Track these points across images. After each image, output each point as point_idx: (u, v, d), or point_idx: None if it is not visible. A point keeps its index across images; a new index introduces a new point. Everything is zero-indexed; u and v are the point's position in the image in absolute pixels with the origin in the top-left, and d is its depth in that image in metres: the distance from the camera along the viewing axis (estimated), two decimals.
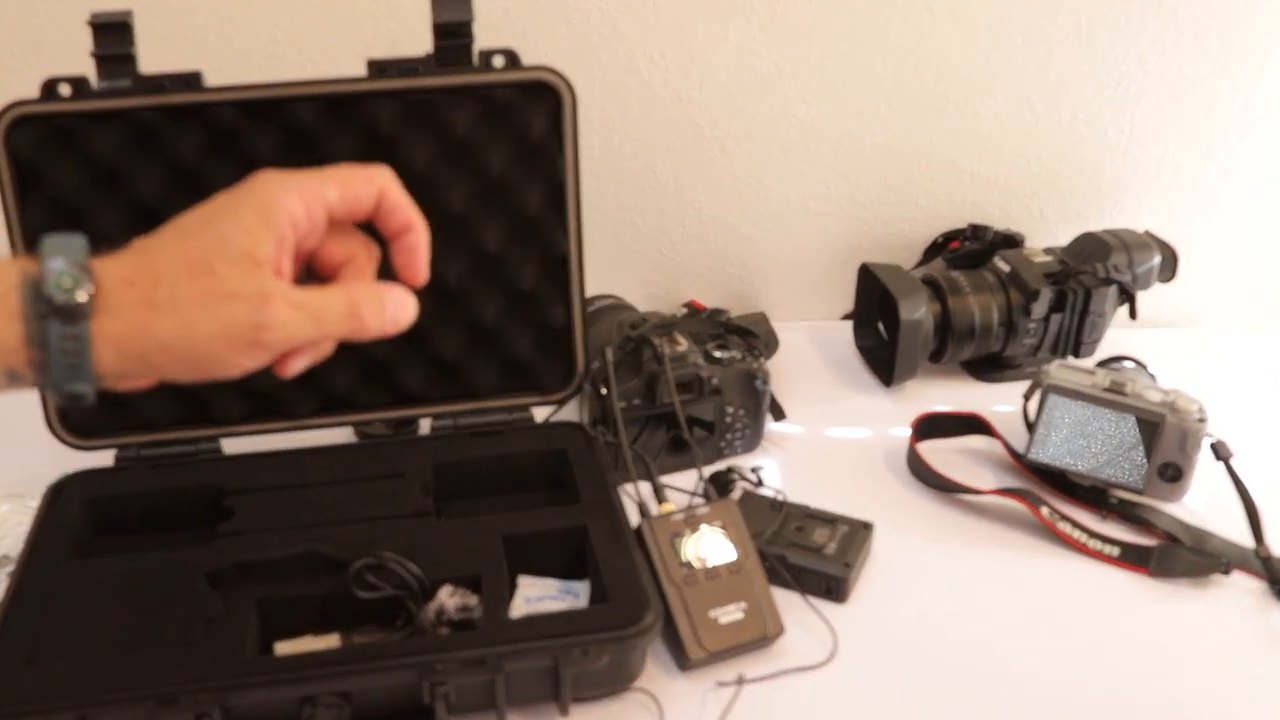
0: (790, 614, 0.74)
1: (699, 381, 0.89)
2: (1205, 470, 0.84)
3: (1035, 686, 0.71)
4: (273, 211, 0.52)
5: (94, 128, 0.75)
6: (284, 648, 0.69)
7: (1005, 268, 1.03)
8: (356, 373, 0.84)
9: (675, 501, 0.77)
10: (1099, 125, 1.12)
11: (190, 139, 0.76)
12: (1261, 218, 1.19)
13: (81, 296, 0.49)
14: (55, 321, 0.49)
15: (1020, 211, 1.15)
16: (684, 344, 0.90)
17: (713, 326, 0.96)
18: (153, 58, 0.75)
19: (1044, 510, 0.84)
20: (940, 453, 0.92)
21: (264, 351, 0.52)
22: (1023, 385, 0.92)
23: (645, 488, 0.79)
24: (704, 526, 0.75)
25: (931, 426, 0.93)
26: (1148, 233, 1.08)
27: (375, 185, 0.56)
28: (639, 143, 1.08)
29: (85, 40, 0.73)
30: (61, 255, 0.49)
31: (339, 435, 0.87)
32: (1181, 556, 0.81)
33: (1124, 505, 0.87)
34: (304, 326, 0.52)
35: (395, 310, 0.56)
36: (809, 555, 0.78)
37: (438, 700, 0.63)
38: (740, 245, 1.15)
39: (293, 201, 0.53)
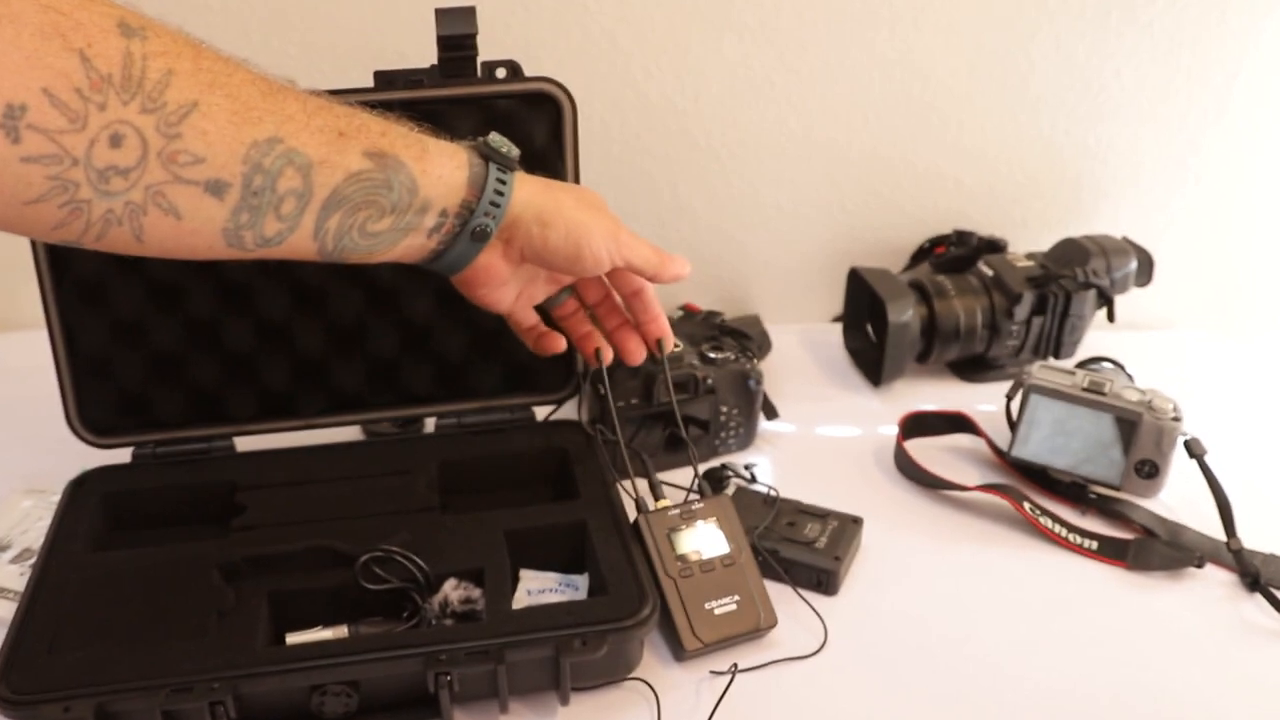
0: (782, 606, 0.74)
1: (694, 381, 0.89)
2: (1180, 467, 0.84)
3: (1016, 675, 0.71)
4: (620, 235, 0.68)
5: None
6: (294, 639, 0.69)
7: (989, 272, 1.03)
8: (364, 374, 0.84)
9: (671, 497, 0.77)
10: (1078, 135, 1.12)
11: None
12: (1234, 224, 1.19)
13: (516, 155, 0.64)
14: (494, 167, 0.62)
15: (1003, 218, 1.16)
16: (680, 345, 0.90)
17: (708, 328, 0.96)
18: None
19: (1026, 505, 0.84)
20: (926, 450, 0.92)
21: (604, 257, 0.66)
22: (1006, 385, 0.92)
23: (642, 484, 0.79)
24: (699, 521, 0.75)
25: (918, 425, 0.93)
26: (1125, 238, 1.08)
27: (654, 274, 0.71)
28: (636, 151, 1.08)
29: None
30: (503, 144, 0.63)
31: (347, 434, 0.87)
32: (1157, 550, 0.81)
33: (1102, 501, 0.87)
34: (617, 254, 0.67)
35: (678, 266, 0.72)
36: (800, 549, 0.78)
37: (442, 689, 0.63)
38: (734, 250, 1.15)
39: (628, 245, 0.68)
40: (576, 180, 0.81)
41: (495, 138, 0.63)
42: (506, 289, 0.69)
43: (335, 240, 0.57)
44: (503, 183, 0.62)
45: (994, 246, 1.09)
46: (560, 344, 0.74)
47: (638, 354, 0.75)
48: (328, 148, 0.54)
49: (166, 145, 0.48)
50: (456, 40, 0.76)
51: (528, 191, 0.64)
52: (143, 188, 0.49)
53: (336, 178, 0.55)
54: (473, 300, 0.69)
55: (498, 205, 0.62)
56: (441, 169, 0.60)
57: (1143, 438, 0.84)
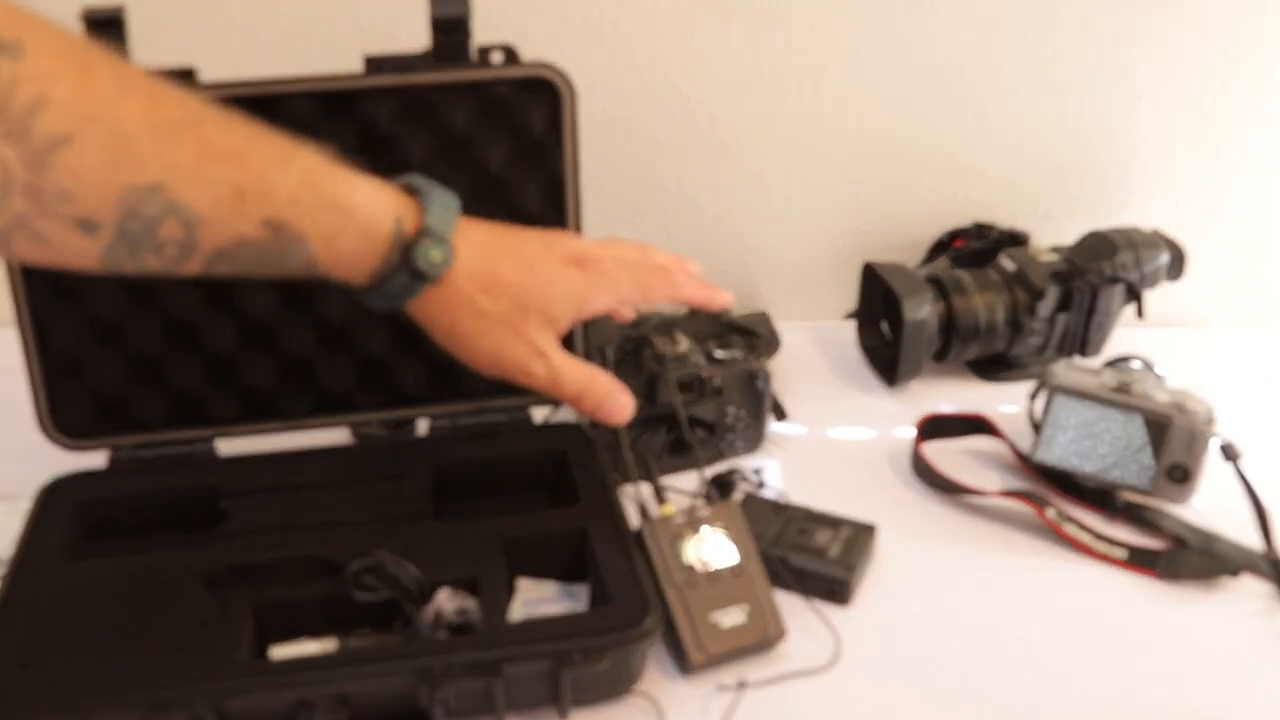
0: (792, 617, 0.74)
1: (700, 381, 0.89)
2: (1213, 472, 0.84)
3: (1039, 690, 0.71)
4: (587, 307, 0.66)
5: None
6: (280, 651, 0.69)
7: (1010, 266, 1.03)
8: (353, 373, 0.84)
9: (676, 503, 0.78)
10: (1106, 122, 1.12)
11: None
12: (1271, 215, 1.19)
13: (438, 273, 0.59)
14: (404, 275, 0.58)
15: (1026, 209, 1.16)
16: (685, 344, 0.90)
17: (714, 326, 0.96)
18: (145, 54, 0.75)
19: (1050, 512, 0.84)
20: (944, 454, 0.92)
21: (507, 373, 0.65)
22: (1028, 385, 0.93)
23: (646, 489, 0.79)
24: (705, 528, 0.75)
25: (936, 427, 0.93)
26: (1155, 231, 1.08)
27: (669, 299, 0.69)
28: (639, 140, 1.08)
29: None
30: (440, 227, 0.59)
31: (336, 436, 0.88)
32: (1189, 559, 0.81)
33: (1131, 507, 0.87)
34: (547, 383, 0.66)
35: (613, 409, 0.68)
36: (811, 557, 0.78)
37: (436, 704, 0.64)
38: (741, 243, 1.15)
39: (605, 303, 0.67)
40: (575, 172, 0.81)
41: (428, 245, 0.58)
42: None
43: (232, 273, 0.55)
44: (409, 292, 0.59)
45: (1016, 239, 1.09)
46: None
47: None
48: (220, 207, 0.51)
49: (33, 179, 0.46)
50: (450, 22, 0.76)
51: (434, 304, 0.61)
52: (9, 216, 0.47)
53: (223, 239, 0.52)
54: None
55: (392, 304, 0.60)
56: (353, 249, 0.57)
57: (1174, 441, 0.84)
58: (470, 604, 0.70)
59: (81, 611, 0.69)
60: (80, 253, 0.50)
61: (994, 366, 1.06)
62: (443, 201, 0.60)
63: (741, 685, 0.70)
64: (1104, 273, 1.02)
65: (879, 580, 0.80)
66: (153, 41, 0.79)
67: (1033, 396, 0.92)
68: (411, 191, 0.60)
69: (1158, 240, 1.06)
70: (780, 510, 0.83)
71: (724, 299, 0.72)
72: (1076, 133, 1.13)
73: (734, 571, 0.73)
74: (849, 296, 1.10)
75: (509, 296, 0.62)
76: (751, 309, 1.11)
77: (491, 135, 0.79)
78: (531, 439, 0.86)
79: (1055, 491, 0.89)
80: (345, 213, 0.56)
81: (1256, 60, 1.10)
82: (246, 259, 0.54)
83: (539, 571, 0.75)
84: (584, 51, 1.03)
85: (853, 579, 0.77)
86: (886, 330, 1.05)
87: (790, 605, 0.76)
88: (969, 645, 0.75)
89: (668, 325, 0.92)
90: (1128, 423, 0.85)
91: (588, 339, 0.85)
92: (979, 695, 0.71)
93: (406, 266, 0.58)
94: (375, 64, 0.77)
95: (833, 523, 0.82)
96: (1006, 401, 0.99)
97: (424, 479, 0.80)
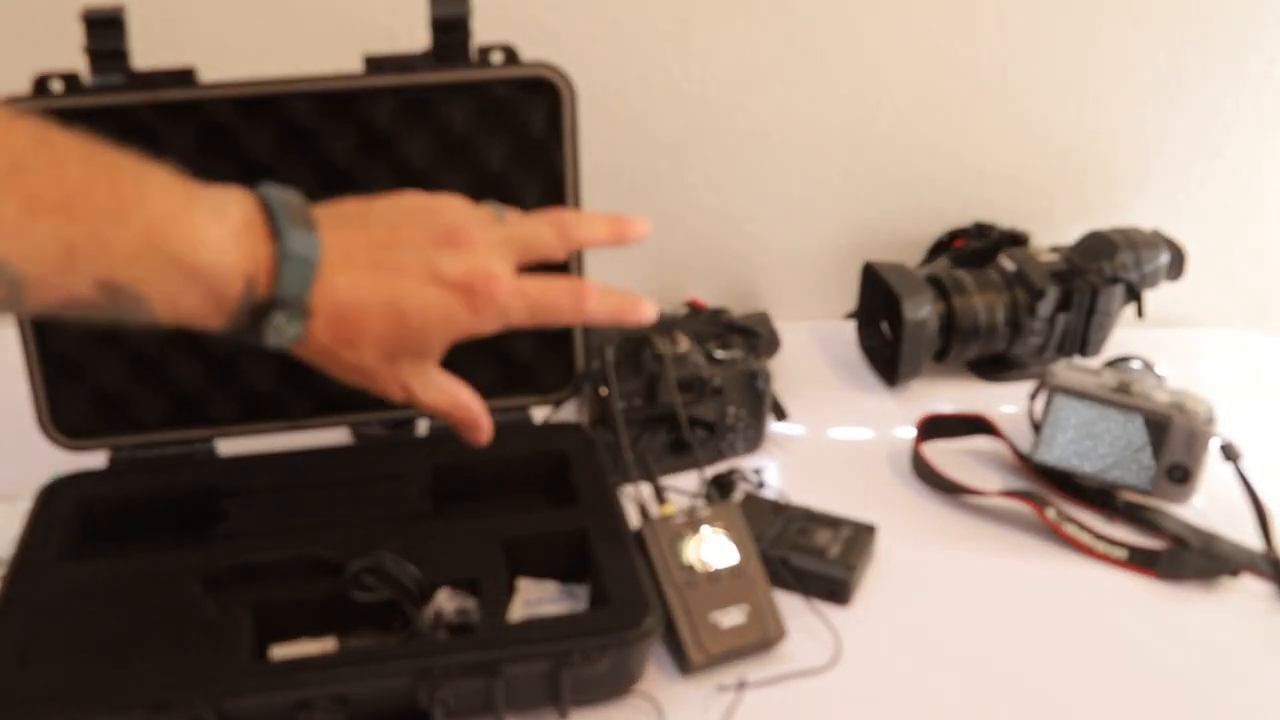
0: (793, 617, 0.74)
1: (700, 381, 0.89)
2: (1214, 472, 0.84)
3: (1039, 690, 0.71)
4: (469, 334, 0.59)
5: (86, 125, 0.74)
6: (279, 651, 0.69)
7: (1011, 266, 1.03)
8: None
9: (676, 503, 0.78)
10: (1107, 122, 1.12)
11: (184, 137, 0.76)
12: (1271, 215, 1.19)
13: (287, 343, 0.55)
14: (251, 338, 0.53)
15: (1027, 209, 1.16)
16: (685, 343, 0.90)
17: (714, 326, 0.96)
18: (146, 53, 0.76)
19: (1050, 512, 0.84)
20: (945, 454, 0.92)
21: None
22: (1028, 385, 0.93)
23: (646, 489, 0.79)
24: (705, 528, 0.75)
25: (936, 427, 0.93)
26: (1155, 231, 1.08)
27: (572, 321, 0.63)
28: (639, 140, 1.08)
29: (77, 35, 0.73)
30: (293, 295, 0.52)
31: (335, 436, 0.88)
32: (1189, 559, 0.81)
33: (1131, 507, 0.87)
34: (406, 401, 0.62)
35: (474, 436, 0.66)
36: (812, 558, 0.78)
37: (436, 705, 0.64)
38: (742, 243, 1.15)
39: (491, 330, 0.60)
40: (575, 172, 0.80)
41: (274, 325, 0.53)
42: None
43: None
44: (282, 333, 0.54)
45: (1016, 239, 1.09)
46: None
47: None
48: (47, 266, 0.45)
49: None
50: (450, 22, 0.76)
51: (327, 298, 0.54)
52: None
53: (52, 299, 0.47)
54: None
55: (265, 347, 0.55)
56: (198, 310, 0.51)
57: (1174, 441, 0.84)
58: (470, 604, 0.70)
59: (81, 612, 0.69)
60: None
61: (994, 366, 1.06)
62: (302, 253, 0.52)
63: (741, 685, 0.70)
64: (1104, 273, 1.02)
65: (879, 580, 0.80)
66: (152, 41, 0.79)
67: (1033, 396, 0.92)
68: (270, 227, 0.52)
69: (1158, 240, 1.07)
70: (780, 510, 0.83)
71: (642, 312, 0.63)
72: (1077, 133, 1.13)
73: (734, 572, 0.74)
74: (849, 296, 1.10)
75: (375, 348, 0.57)
76: (751, 309, 1.11)
77: (491, 135, 0.79)
78: (531, 439, 0.86)
79: (1055, 491, 0.89)
80: (190, 274, 0.49)
81: (1257, 60, 1.10)
82: (77, 316, 0.49)
83: (539, 572, 0.75)
84: (584, 51, 1.03)
85: (853, 579, 0.77)
86: (887, 330, 1.05)
87: (790, 605, 0.76)
88: (969, 645, 0.75)
89: (668, 325, 0.92)
90: (1128, 423, 0.85)
91: (587, 339, 0.85)
92: (979, 695, 0.71)
93: (255, 333, 0.53)
94: (375, 64, 0.77)
95: (833, 523, 0.82)
96: (1006, 401, 0.99)
97: (424, 479, 0.80)
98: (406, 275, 0.56)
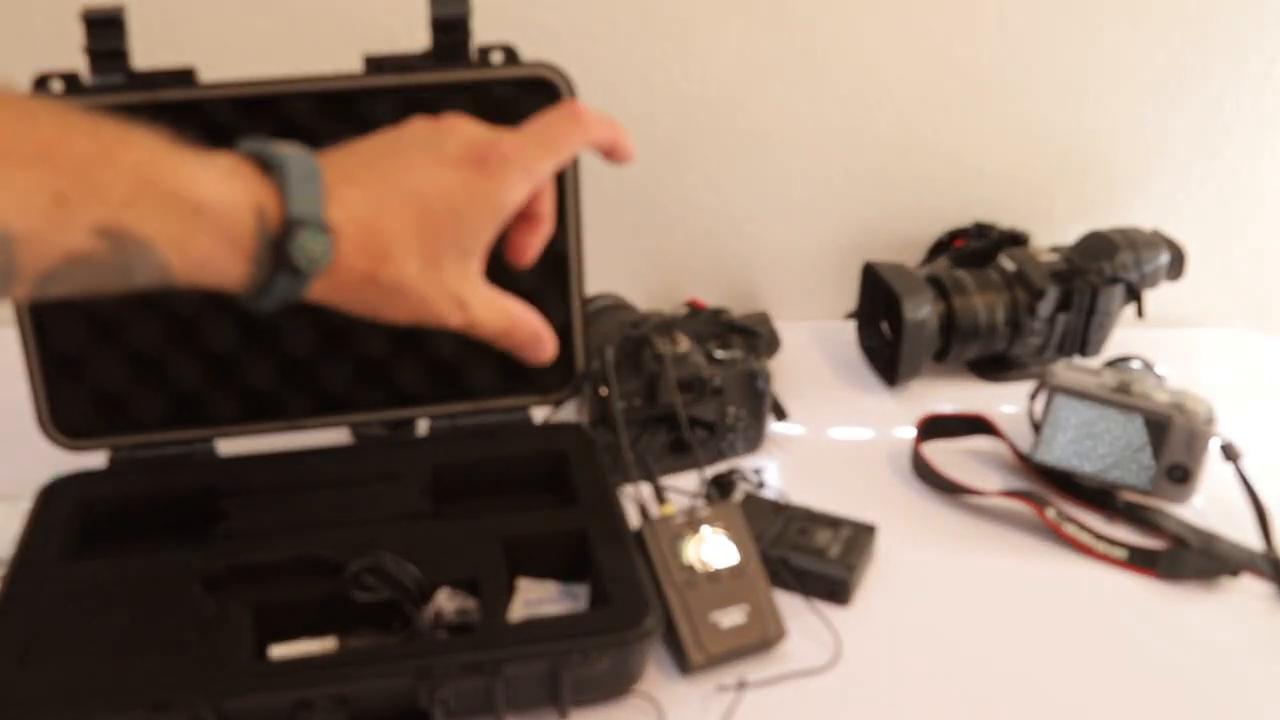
0: (793, 617, 0.74)
1: (700, 381, 0.89)
2: (1214, 472, 0.84)
3: (1039, 690, 0.71)
4: (506, 208, 0.55)
5: None
6: (279, 651, 0.69)
7: (1011, 266, 1.03)
8: (353, 373, 0.84)
9: (676, 503, 0.78)
10: (1107, 122, 1.12)
11: (184, 136, 0.76)
12: (1271, 215, 1.19)
13: (322, 266, 0.49)
14: (285, 276, 0.49)
15: (1027, 209, 1.16)
16: (685, 343, 0.90)
17: (714, 326, 0.96)
18: (145, 53, 0.76)
19: (1050, 512, 0.84)
20: (945, 454, 0.92)
21: (425, 325, 0.55)
22: (1028, 385, 0.93)
23: (646, 489, 0.79)
24: (705, 528, 0.75)
25: (936, 427, 0.93)
26: (1155, 231, 1.08)
27: (582, 139, 0.58)
28: (639, 139, 1.06)
29: (77, 35, 0.73)
30: (308, 211, 0.48)
31: (335, 436, 0.88)
32: (1189, 559, 0.81)
33: (1131, 507, 0.87)
34: (464, 330, 0.56)
35: (536, 352, 0.59)
36: (812, 558, 0.78)
37: (435, 705, 0.64)
38: (742, 243, 1.15)
39: (523, 193, 0.55)
40: (575, 172, 0.80)
41: (304, 237, 0.48)
42: None
43: (70, 295, 0.46)
44: (296, 290, 0.50)
45: (1016, 239, 1.09)
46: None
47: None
48: (37, 218, 0.42)
49: None
50: (450, 22, 0.76)
51: (330, 290, 0.51)
52: None
53: (49, 259, 0.43)
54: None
55: (286, 301, 0.50)
56: (213, 253, 0.47)
57: (1174, 441, 0.84)
58: (470, 604, 0.70)
59: (81, 612, 0.69)
60: None
61: (994, 366, 1.06)
62: (302, 171, 0.49)
63: (741, 685, 0.70)
64: (1104, 273, 1.02)
65: (879, 580, 0.80)
66: (153, 41, 0.79)
67: (1033, 396, 0.92)
68: (263, 165, 0.50)
69: (1158, 240, 1.07)
70: (780, 510, 0.83)
71: (627, 149, 0.61)
72: (1077, 133, 1.13)
73: (734, 571, 0.74)
74: (849, 296, 1.10)
75: (414, 253, 0.52)
76: (751, 308, 1.11)
77: None
78: (531, 439, 0.86)
79: (1055, 491, 0.89)
80: (194, 211, 0.46)
81: (1257, 60, 1.10)
82: (83, 278, 0.45)
83: (539, 571, 0.75)
84: (584, 52, 1.03)
85: (853, 579, 0.77)
86: (887, 330, 1.05)
87: (790, 605, 0.76)
88: (969, 645, 0.75)
89: (668, 325, 0.92)
90: (1128, 423, 0.85)
91: (587, 340, 0.85)
92: (979, 695, 0.71)
93: (285, 266, 0.49)
94: (375, 64, 0.77)
95: (833, 523, 0.82)
96: (1006, 401, 0.99)
97: (424, 479, 0.80)
98: (415, 169, 0.53)
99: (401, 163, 0.53)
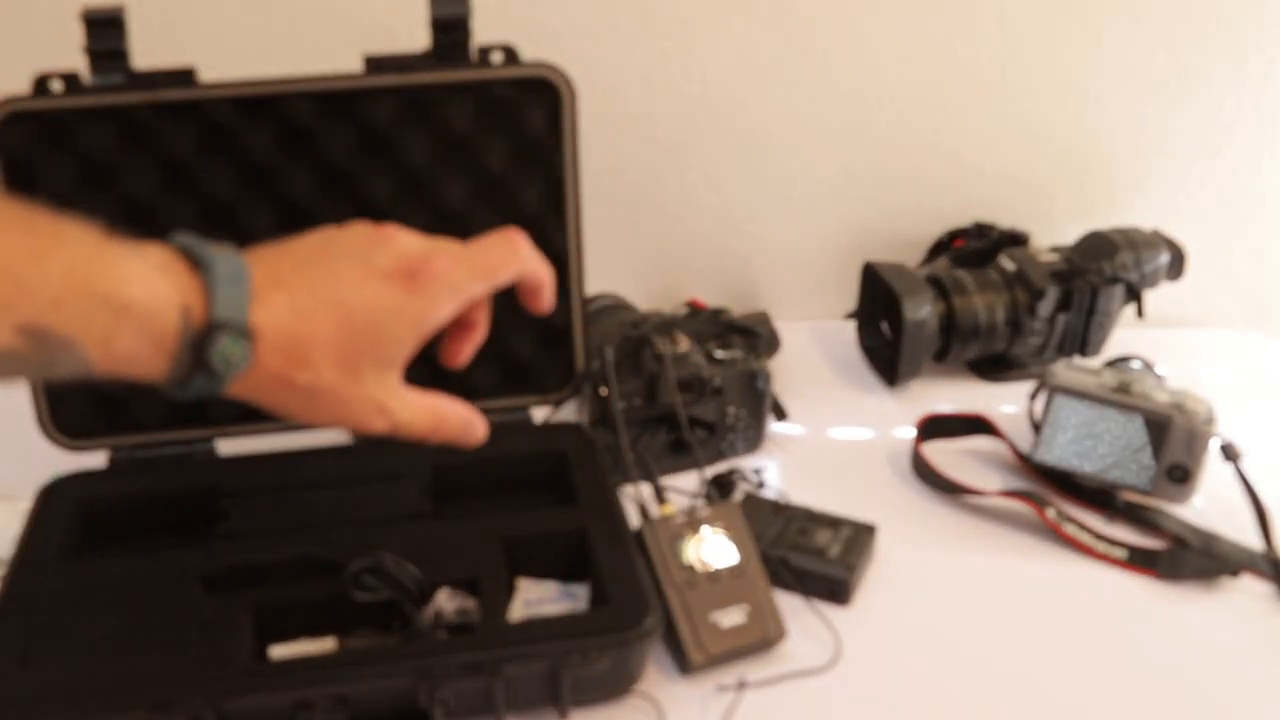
0: (793, 617, 0.74)
1: (700, 381, 0.89)
2: (1214, 472, 0.84)
3: (1039, 690, 0.71)
4: (429, 324, 0.56)
5: (86, 125, 0.75)
6: (279, 651, 0.69)
7: (1011, 266, 1.03)
8: None
9: (676, 503, 0.78)
10: (1107, 122, 1.12)
11: (184, 136, 0.76)
12: (1271, 216, 1.19)
13: (238, 371, 0.50)
14: (202, 376, 0.50)
15: (1027, 209, 1.16)
16: (685, 344, 0.90)
17: (714, 326, 0.96)
18: (146, 53, 0.76)
19: (1050, 512, 0.84)
20: (945, 454, 0.92)
21: (350, 430, 0.57)
22: (1028, 385, 0.93)
23: (646, 489, 0.79)
24: (705, 528, 0.75)
25: (936, 427, 0.93)
26: (1156, 231, 1.08)
27: (516, 270, 0.59)
28: (639, 139, 1.08)
29: (77, 35, 0.73)
30: (231, 315, 0.49)
31: (335, 436, 0.87)
32: (1189, 559, 0.81)
33: (1131, 507, 0.87)
34: (392, 434, 0.58)
35: (468, 438, 0.62)
36: (812, 558, 0.78)
37: (435, 705, 0.63)
38: (742, 243, 1.15)
39: (448, 312, 0.57)
40: (575, 172, 0.80)
41: (224, 343, 0.49)
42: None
43: None
44: (214, 388, 0.51)
45: (1016, 239, 1.09)
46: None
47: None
48: None
49: None
50: (450, 22, 0.76)
51: (248, 389, 0.52)
52: None
53: None
54: None
55: (203, 396, 0.51)
56: (135, 351, 0.48)
57: (1174, 441, 0.84)
58: (470, 604, 0.70)
59: (81, 612, 0.69)
60: None
61: (994, 366, 1.06)
62: (229, 273, 0.50)
63: (741, 685, 0.70)
64: (1104, 273, 1.02)
65: (879, 580, 0.80)
66: (153, 41, 0.79)
67: (1033, 396, 0.92)
68: (192, 262, 0.50)
69: (1158, 240, 1.06)
70: (780, 510, 0.83)
71: (548, 299, 0.61)
72: (1077, 133, 1.13)
73: (734, 571, 0.73)
74: (849, 296, 1.10)
75: (331, 362, 0.53)
76: (751, 308, 1.11)
77: (491, 135, 0.79)
78: (531, 439, 0.86)
79: (1055, 491, 0.89)
80: (121, 311, 0.46)
81: (1257, 60, 1.10)
82: (9, 371, 0.46)
83: (539, 571, 0.75)
84: (584, 51, 1.02)
85: (853, 579, 0.77)
86: (887, 330, 1.05)
87: (790, 605, 0.76)
88: (969, 645, 0.75)
89: (668, 325, 0.92)
90: (1128, 423, 0.85)
91: (587, 340, 0.85)
92: (979, 695, 0.71)
93: (203, 368, 0.49)
94: (375, 64, 0.77)
95: (833, 523, 0.82)
96: (1006, 401, 0.99)
97: (423, 479, 0.80)
98: (343, 279, 0.54)
99: (332, 270, 0.54)
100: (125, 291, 0.47)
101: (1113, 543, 0.83)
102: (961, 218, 1.14)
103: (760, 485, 0.87)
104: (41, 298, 0.44)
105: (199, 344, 0.49)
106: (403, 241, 0.57)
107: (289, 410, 0.54)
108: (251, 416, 0.82)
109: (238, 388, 0.52)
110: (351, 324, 0.53)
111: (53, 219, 0.46)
